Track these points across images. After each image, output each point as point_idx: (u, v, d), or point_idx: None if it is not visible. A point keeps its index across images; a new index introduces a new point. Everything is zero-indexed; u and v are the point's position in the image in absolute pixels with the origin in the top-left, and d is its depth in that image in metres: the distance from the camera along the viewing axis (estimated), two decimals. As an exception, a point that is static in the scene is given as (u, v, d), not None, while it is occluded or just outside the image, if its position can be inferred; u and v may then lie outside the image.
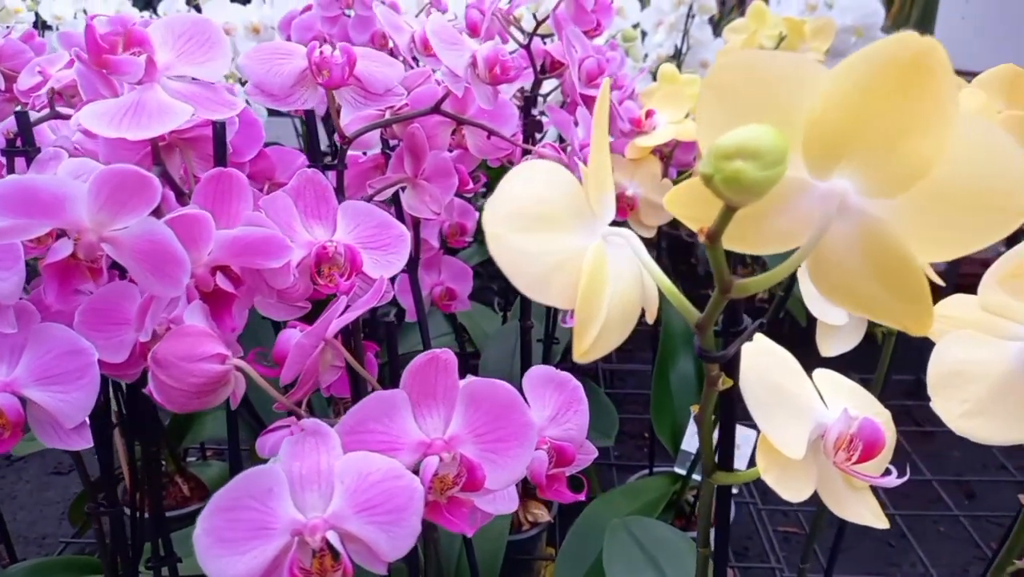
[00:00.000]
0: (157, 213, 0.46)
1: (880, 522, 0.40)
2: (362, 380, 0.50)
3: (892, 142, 0.23)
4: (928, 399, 0.37)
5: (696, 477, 1.06)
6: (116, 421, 0.90)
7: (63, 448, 0.47)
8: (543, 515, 1.09)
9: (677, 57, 1.76)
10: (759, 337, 0.42)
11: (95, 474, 0.69)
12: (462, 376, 0.44)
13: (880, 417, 0.41)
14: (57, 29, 1.58)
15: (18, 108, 0.54)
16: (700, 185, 0.25)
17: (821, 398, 0.40)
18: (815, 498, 0.40)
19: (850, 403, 0.40)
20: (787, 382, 0.38)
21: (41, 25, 1.57)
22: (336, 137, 0.64)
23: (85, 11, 1.56)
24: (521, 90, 0.82)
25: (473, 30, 0.74)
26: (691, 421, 1.09)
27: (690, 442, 1.08)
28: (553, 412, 0.49)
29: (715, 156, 0.23)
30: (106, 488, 0.62)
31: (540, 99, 0.89)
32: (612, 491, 1.10)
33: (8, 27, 1.40)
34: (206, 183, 0.45)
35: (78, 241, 0.39)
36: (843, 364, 0.63)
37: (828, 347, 0.67)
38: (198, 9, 1.46)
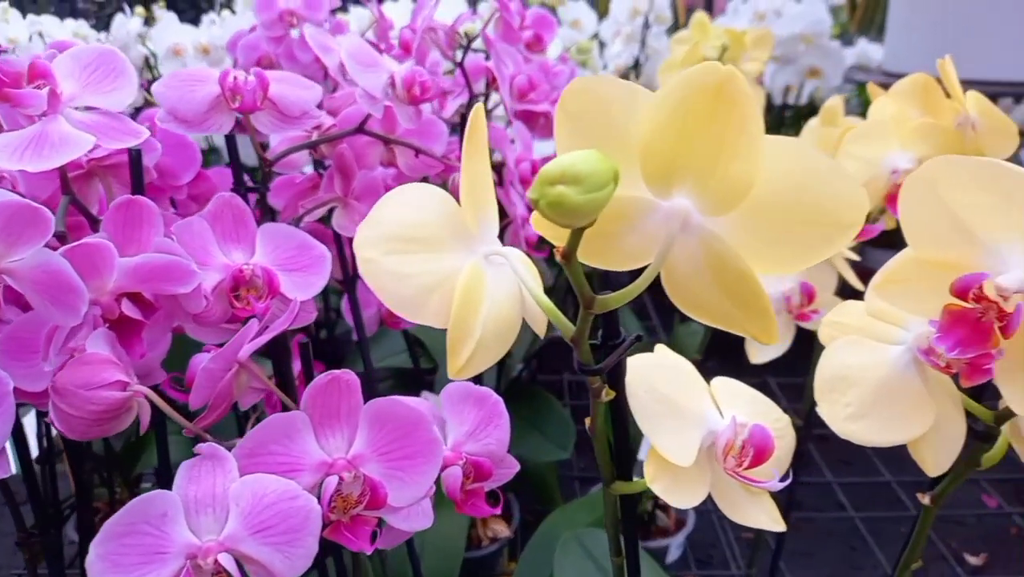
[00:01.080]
0: (65, 242, 0.46)
1: (776, 525, 0.41)
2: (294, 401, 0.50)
3: (711, 163, 0.24)
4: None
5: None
6: (62, 446, 0.89)
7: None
8: (503, 531, 1.09)
9: (636, 67, 1.79)
10: (660, 348, 0.43)
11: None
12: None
13: (777, 424, 0.42)
14: (14, 52, 1.57)
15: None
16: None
17: (717, 406, 0.41)
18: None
19: (746, 410, 0.41)
20: (677, 391, 0.39)
21: (-5, 50, 1.56)
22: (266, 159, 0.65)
23: (40, 34, 1.55)
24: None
25: (405, 49, 0.75)
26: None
27: (645, 451, 1.08)
28: (472, 427, 0.49)
29: (540, 181, 0.23)
30: (39, 516, 0.62)
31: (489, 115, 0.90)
32: (571, 503, 1.10)
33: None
34: (114, 211, 0.45)
35: (-25, 273, 0.39)
36: (804, 367, 0.64)
37: (756, 354, 0.68)
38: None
